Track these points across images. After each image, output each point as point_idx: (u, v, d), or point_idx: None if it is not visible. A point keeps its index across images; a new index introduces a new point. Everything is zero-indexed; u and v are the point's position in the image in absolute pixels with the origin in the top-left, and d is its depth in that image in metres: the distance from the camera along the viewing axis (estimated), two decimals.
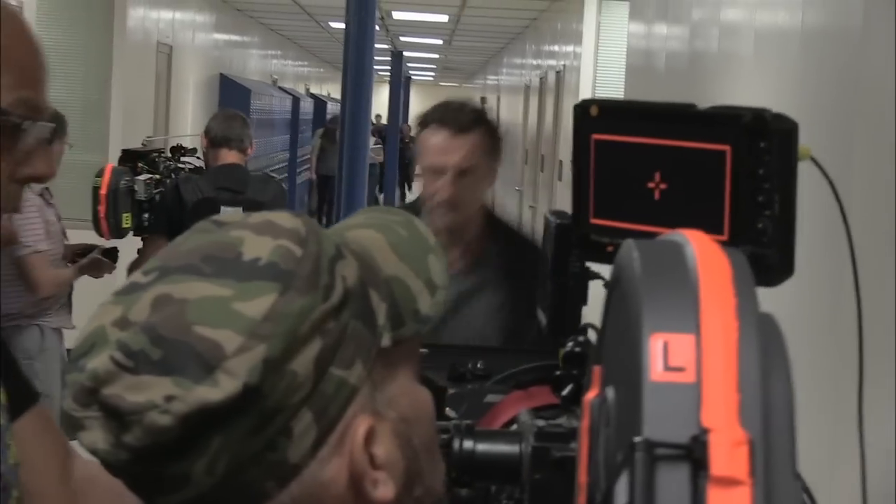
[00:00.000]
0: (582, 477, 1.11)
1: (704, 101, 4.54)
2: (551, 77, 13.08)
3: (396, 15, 15.60)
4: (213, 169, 5.91)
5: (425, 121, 3.35)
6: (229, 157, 5.87)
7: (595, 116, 1.52)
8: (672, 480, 0.95)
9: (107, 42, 9.67)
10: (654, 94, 7.16)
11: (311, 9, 14.69)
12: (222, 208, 5.43)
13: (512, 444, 1.40)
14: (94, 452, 0.97)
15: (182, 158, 6.34)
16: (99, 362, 0.95)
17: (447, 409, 1.72)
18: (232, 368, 0.94)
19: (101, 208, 5.51)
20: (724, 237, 1.39)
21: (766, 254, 1.37)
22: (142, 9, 10.74)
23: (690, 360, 1.00)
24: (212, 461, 0.96)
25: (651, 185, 1.47)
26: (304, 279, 0.98)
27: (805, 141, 4.19)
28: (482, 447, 1.40)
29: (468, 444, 1.40)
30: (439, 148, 3.24)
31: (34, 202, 5.55)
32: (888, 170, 3.58)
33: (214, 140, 5.89)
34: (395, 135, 21.11)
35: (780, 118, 1.37)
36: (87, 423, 0.97)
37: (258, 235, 1.00)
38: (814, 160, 1.41)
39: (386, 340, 1.04)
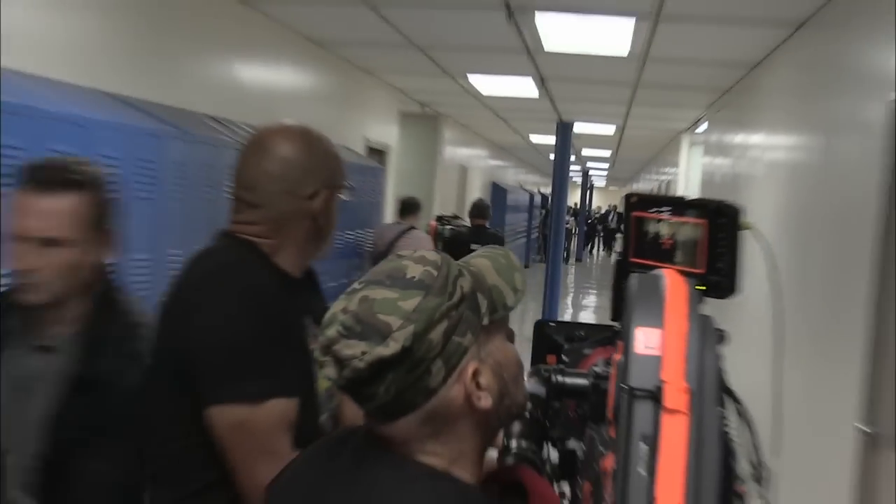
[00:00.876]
0: (610, 401, 1.30)
1: (740, 202, 4.93)
2: (663, 185, 16.32)
3: (584, 151, 19.51)
4: (471, 227, 8.93)
5: (22, 177, 2.06)
6: (478, 221, 8.78)
7: (634, 202, 1.70)
8: (643, 410, 1.16)
9: (433, 165, 13.25)
10: (714, 197, 8.53)
11: (539, 148, 18.37)
12: (471, 245, 8.16)
13: (583, 379, 1.56)
14: (329, 380, 1.21)
15: (458, 221, 10.44)
16: (331, 332, 1.19)
17: (562, 356, 1.87)
18: (397, 337, 1.16)
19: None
20: (702, 271, 1.54)
21: (723, 280, 1.53)
22: (451, 147, 14.42)
23: (658, 343, 1.21)
24: (387, 387, 1.18)
25: (663, 241, 1.63)
26: (438, 288, 1.20)
27: (781, 222, 4.52)
28: (568, 380, 1.57)
29: (560, 378, 1.58)
30: (22, 210, 2.01)
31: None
32: (827, 237, 3.84)
33: (471, 213, 8.86)
34: (583, 215, 29.10)
35: (731, 206, 1.53)
36: (325, 365, 1.20)
37: (416, 264, 1.23)
38: (753, 230, 1.55)
39: (486, 321, 1.25)
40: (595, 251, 33.38)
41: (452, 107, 12.10)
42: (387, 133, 10.31)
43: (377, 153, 9.91)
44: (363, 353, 1.16)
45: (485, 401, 1.23)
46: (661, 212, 1.64)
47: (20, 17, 3.72)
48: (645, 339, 1.22)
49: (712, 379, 1.21)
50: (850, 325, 3.70)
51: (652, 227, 1.67)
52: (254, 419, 1.69)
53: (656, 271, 1.37)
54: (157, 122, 4.05)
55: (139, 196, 3.71)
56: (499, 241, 8.92)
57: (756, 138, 6.65)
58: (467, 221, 9.78)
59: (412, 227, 7.62)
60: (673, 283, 1.31)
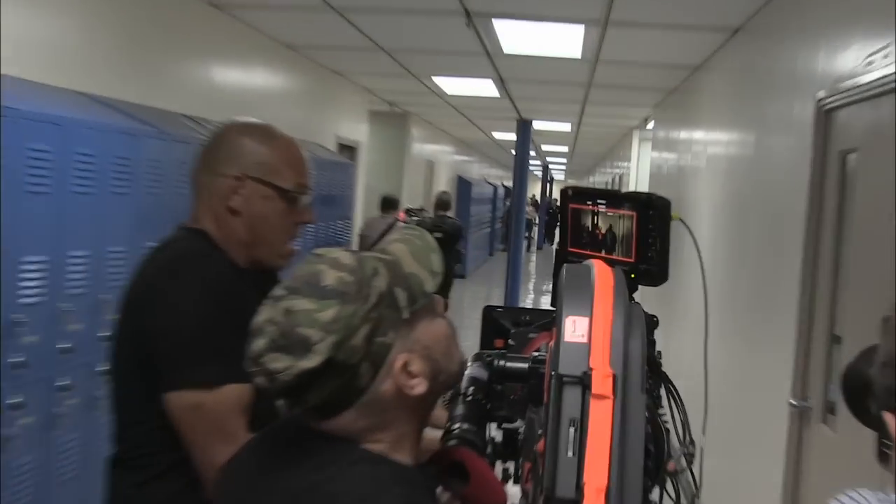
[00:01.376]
0: (546, 387, 1.23)
1: (684, 192, 5.02)
2: (617, 178, 15.76)
3: (543, 147, 19.30)
4: (435, 217, 9.60)
5: None
6: (441, 212, 9.58)
7: (571, 195, 1.67)
8: (571, 395, 1.11)
9: (401, 161, 12.98)
10: (662, 187, 8.65)
11: (501, 144, 18.20)
12: (434, 233, 8.73)
13: (523, 363, 1.52)
14: (261, 389, 1.18)
15: (424, 213, 10.33)
16: (259, 344, 1.16)
17: (509, 341, 1.79)
18: (318, 349, 1.12)
19: None
20: (633, 259, 1.52)
21: (653, 269, 1.50)
22: (418, 144, 14.20)
23: (586, 331, 1.16)
24: (318, 391, 1.15)
25: (598, 231, 1.61)
26: (353, 295, 1.15)
27: (720, 209, 4.56)
28: (508, 364, 1.54)
29: (501, 362, 1.54)
30: None
31: None
32: (762, 227, 3.84)
33: (435, 205, 9.73)
34: (544, 206, 29.27)
35: (661, 198, 1.49)
36: (256, 375, 1.17)
37: (330, 269, 1.17)
38: (681, 220, 1.52)
39: (406, 314, 1.20)
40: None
41: (419, 106, 12.06)
42: (357, 131, 10.24)
43: (348, 150, 9.85)
44: (288, 368, 1.13)
45: (418, 387, 1.20)
46: (596, 204, 1.61)
47: None
48: (573, 328, 1.17)
49: (637, 364, 1.16)
50: (783, 305, 3.70)
51: (587, 219, 1.64)
52: (211, 403, 1.65)
53: (586, 262, 1.32)
54: (132, 121, 3.96)
55: (116, 192, 3.63)
56: (457, 228, 9.73)
57: (698, 134, 6.66)
58: (432, 213, 10.25)
59: (397, 220, 8.38)
60: (601, 272, 1.26)
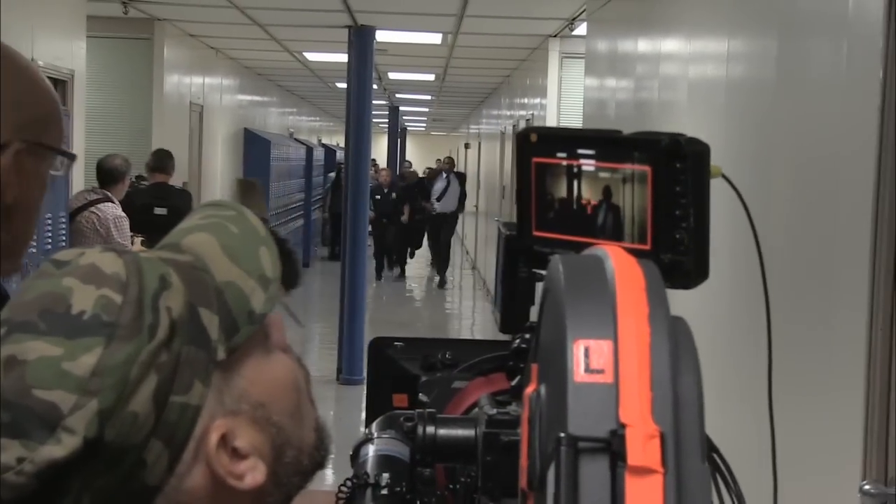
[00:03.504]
0: (523, 461, 1.27)
1: None
2: (522, 125, 15.67)
3: (391, 75, 19.71)
4: (150, 185, 10.81)
5: None
6: (159, 178, 10.87)
7: (534, 142, 1.70)
8: (593, 470, 1.13)
9: (146, 103, 13.18)
10: None
11: (319, 72, 18.42)
12: (155, 209, 9.97)
13: (468, 429, 1.56)
14: None
15: (136, 181, 11.07)
16: None
17: (420, 394, 1.89)
18: (70, 426, 1.12)
19: None
20: (648, 247, 1.54)
21: (684, 261, 1.51)
22: (176, 74, 14.50)
23: (609, 362, 1.18)
24: (75, 499, 1.16)
25: (584, 201, 1.64)
26: (127, 327, 1.16)
27: (729, 173, 4.73)
28: (442, 432, 1.58)
29: (430, 429, 1.58)
30: None
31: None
32: (800, 193, 4.05)
33: (151, 168, 10.96)
34: (395, 178, 28.66)
35: (693, 141, 1.53)
36: None
37: (84, 284, 1.18)
38: (725, 178, 1.61)
39: (221, 354, 1.23)
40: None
41: (176, 6, 12.01)
42: (68, 51, 10.22)
43: (53, 84, 9.72)
44: (20, 461, 1.14)
45: (251, 476, 1.25)
46: (577, 157, 1.66)
47: None
48: (588, 359, 1.21)
49: (693, 415, 1.22)
50: (842, 328, 3.81)
51: (564, 183, 1.69)
52: None
53: (594, 250, 1.36)
54: None
55: None
56: (188, 200, 10.97)
57: (670, 45, 6.83)
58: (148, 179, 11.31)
59: (107, 199, 9.10)
60: (623, 266, 1.30)
